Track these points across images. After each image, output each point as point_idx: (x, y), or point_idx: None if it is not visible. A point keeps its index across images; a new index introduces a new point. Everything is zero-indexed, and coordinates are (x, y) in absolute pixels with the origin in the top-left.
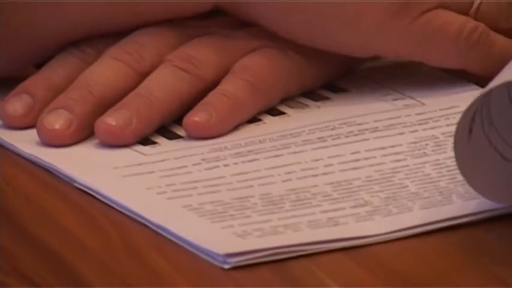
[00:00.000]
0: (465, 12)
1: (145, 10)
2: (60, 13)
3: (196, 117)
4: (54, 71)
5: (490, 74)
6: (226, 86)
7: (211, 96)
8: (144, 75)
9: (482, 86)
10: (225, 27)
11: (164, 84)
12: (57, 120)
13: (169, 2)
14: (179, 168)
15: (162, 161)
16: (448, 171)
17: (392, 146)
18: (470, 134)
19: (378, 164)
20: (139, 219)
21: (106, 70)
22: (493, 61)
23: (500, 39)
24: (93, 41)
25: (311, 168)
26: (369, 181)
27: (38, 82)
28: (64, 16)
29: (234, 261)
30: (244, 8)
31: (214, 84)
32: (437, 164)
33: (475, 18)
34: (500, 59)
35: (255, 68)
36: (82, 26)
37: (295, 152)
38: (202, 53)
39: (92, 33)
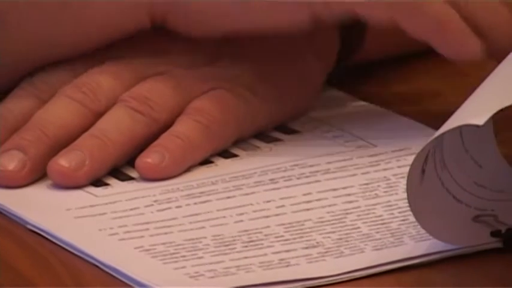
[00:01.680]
0: None
1: (86, 28)
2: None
3: (149, 158)
4: (9, 110)
5: (421, 35)
6: (179, 127)
7: (163, 138)
8: (98, 115)
9: (435, 127)
10: (178, 66)
11: (119, 126)
12: (10, 162)
13: (107, 21)
14: (131, 209)
15: (114, 202)
16: (400, 212)
17: (344, 188)
18: (422, 175)
19: (329, 205)
20: (91, 260)
21: (60, 110)
22: (426, 20)
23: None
24: (47, 77)
25: (263, 210)
26: (321, 222)
27: None
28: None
29: None
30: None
31: (167, 125)
32: (389, 206)
33: None
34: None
35: (208, 109)
36: (29, 53)
37: (247, 194)
38: (157, 95)
39: (41, 58)
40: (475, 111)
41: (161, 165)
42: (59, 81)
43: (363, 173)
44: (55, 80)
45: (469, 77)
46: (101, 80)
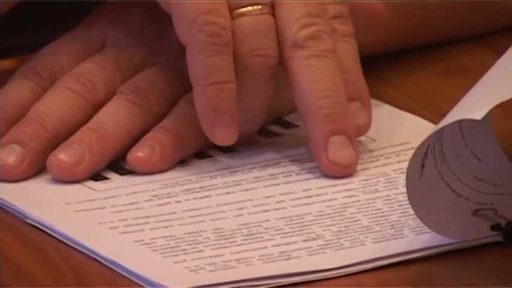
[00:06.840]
0: None
1: None
2: None
3: (140, 152)
4: (9, 100)
5: None
6: (171, 120)
7: (155, 131)
8: (97, 106)
9: (434, 122)
10: (175, 54)
11: (117, 120)
12: (9, 156)
13: None
14: (131, 204)
15: (114, 197)
16: (400, 205)
17: (343, 183)
18: (422, 170)
19: (329, 199)
20: (91, 254)
21: (58, 102)
22: None
23: None
24: (48, 61)
25: (263, 204)
26: (321, 215)
27: None
28: None
29: None
30: None
31: (164, 116)
32: (389, 200)
33: None
34: None
35: None
36: None
37: (246, 190)
38: (155, 86)
39: None
40: (474, 105)
41: (151, 159)
42: (60, 66)
43: (362, 169)
44: (56, 65)
45: (469, 71)
46: (99, 70)
